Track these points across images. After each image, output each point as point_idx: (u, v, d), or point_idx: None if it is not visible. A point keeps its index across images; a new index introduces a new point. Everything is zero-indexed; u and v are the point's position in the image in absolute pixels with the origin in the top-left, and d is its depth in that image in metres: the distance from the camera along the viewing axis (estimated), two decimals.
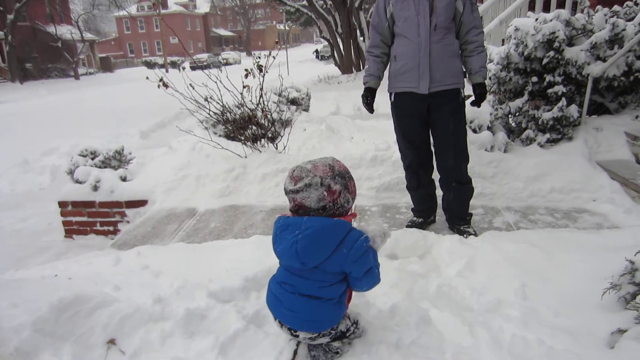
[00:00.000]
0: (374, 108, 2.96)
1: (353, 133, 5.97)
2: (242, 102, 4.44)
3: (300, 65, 27.22)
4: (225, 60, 35.55)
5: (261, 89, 4.39)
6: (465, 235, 2.76)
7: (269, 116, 4.56)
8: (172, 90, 4.07)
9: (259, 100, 4.50)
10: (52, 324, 1.72)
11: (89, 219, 4.32)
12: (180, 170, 4.41)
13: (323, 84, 14.94)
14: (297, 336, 1.70)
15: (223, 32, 72.23)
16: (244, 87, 4.26)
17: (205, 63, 30.41)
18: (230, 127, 4.77)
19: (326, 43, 22.67)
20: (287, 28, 27.27)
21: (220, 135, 5.25)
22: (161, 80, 4.06)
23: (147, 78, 4.25)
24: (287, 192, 1.63)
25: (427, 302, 1.96)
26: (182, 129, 4.92)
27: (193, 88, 4.24)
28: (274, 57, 4.19)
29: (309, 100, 6.16)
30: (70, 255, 4.08)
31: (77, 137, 9.20)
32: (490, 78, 4.81)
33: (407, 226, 3.06)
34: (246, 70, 4.13)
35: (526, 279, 1.95)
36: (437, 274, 2.16)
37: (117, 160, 4.64)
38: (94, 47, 41.87)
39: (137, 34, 64.07)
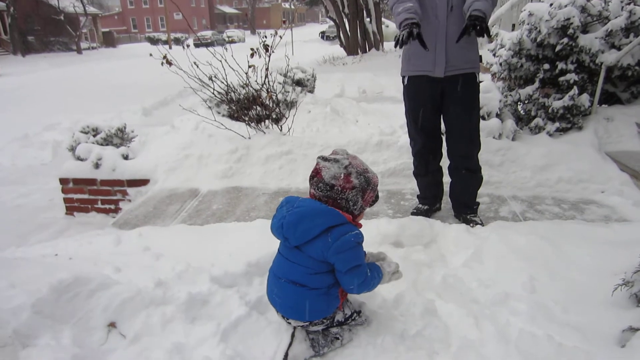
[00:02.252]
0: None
1: (358, 116, 5.89)
2: (247, 82, 4.35)
3: (305, 45, 26.84)
4: (230, 39, 35.05)
5: (267, 69, 4.29)
6: (471, 225, 2.72)
7: (273, 97, 4.48)
8: (175, 68, 3.99)
9: (264, 81, 4.41)
10: (51, 306, 1.69)
11: (90, 196, 4.28)
12: (183, 149, 4.35)
13: (328, 65, 14.75)
14: (290, 323, 1.72)
15: (227, 9, 71.14)
16: (249, 66, 4.16)
17: (209, 41, 29.98)
18: (234, 107, 4.69)
19: (332, 23, 22.29)
20: (292, 7, 26.78)
21: (223, 115, 5.17)
22: (165, 57, 3.97)
23: (151, 55, 4.15)
24: (318, 157, 1.69)
25: (432, 293, 1.92)
26: (185, 107, 4.84)
27: (197, 66, 4.15)
28: (280, 37, 4.08)
29: (315, 81, 6.05)
30: (71, 232, 4.06)
31: (79, 113, 9.13)
32: (501, 64, 4.70)
33: (412, 213, 3.02)
34: (252, 49, 4.03)
35: (534, 272, 1.91)
36: (442, 264, 2.12)
37: (119, 138, 4.58)
38: (97, 21, 41.30)
39: (140, 9, 63.16)
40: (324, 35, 34.67)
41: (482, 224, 2.73)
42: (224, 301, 1.87)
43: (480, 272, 1.94)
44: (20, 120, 9.01)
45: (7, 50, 29.64)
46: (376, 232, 2.42)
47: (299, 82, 5.63)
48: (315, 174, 1.66)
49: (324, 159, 1.66)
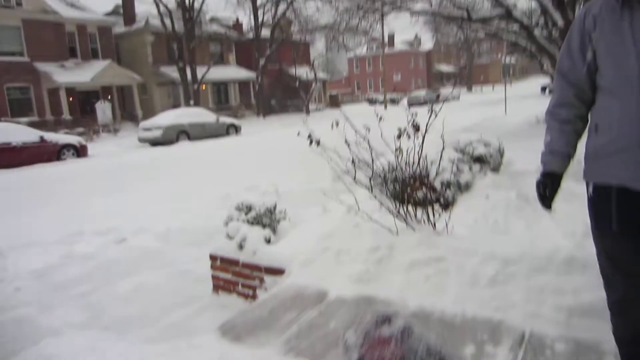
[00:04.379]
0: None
1: (559, 202, 4.43)
2: (397, 164, 3.64)
3: (523, 101, 24.29)
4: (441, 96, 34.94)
5: (419, 153, 3.50)
6: None
7: (426, 181, 3.62)
8: (321, 150, 3.63)
9: (419, 162, 3.61)
10: None
11: (233, 277, 4.17)
12: (324, 240, 3.86)
13: (542, 125, 12.65)
14: None
15: (445, 67, 71.89)
16: (396, 150, 3.46)
17: (422, 100, 30.27)
18: (397, 188, 3.96)
19: None
20: (511, 61, 24.87)
21: (388, 197, 4.51)
22: (309, 137, 3.64)
23: (299, 134, 3.88)
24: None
25: None
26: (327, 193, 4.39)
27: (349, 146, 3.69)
28: (436, 115, 3.28)
29: (502, 157, 4.89)
30: (207, 315, 3.97)
31: (279, 175, 9.66)
32: None
33: None
34: (399, 129, 3.35)
35: None
36: None
37: (268, 218, 4.43)
38: (325, 86, 47.02)
39: (364, 72, 69.63)
40: (545, 89, 30.92)
41: None
42: None
43: None
44: (227, 179, 10.08)
45: (253, 112, 36.08)
46: None
47: (478, 159, 4.60)
48: None
49: (345, 343, 1.14)
